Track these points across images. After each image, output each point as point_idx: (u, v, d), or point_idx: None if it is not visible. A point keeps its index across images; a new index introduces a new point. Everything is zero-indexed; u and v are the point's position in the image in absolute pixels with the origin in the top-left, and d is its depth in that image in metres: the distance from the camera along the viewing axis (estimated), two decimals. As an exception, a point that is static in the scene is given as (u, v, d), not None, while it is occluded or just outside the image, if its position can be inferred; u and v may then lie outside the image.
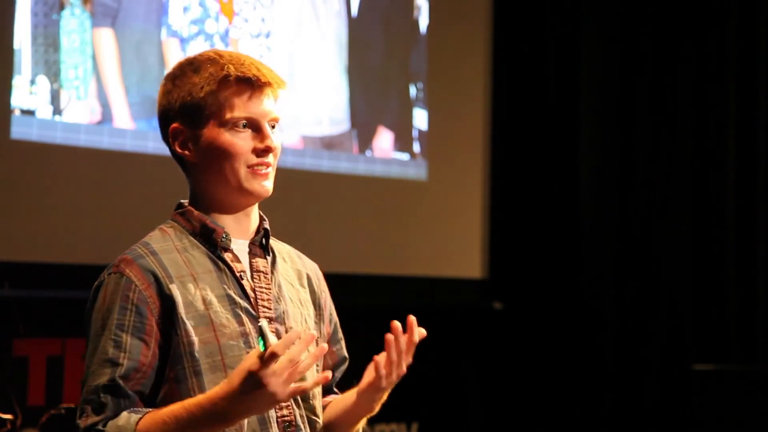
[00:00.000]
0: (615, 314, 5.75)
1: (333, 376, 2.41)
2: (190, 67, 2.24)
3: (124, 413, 2.10)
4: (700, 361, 5.45)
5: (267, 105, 2.24)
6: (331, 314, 2.42)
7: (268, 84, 2.23)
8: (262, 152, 2.21)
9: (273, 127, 2.25)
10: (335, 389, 2.44)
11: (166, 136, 2.26)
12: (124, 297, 2.14)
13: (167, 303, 2.15)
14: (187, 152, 2.23)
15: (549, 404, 5.71)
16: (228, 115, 2.20)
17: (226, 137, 2.20)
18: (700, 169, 5.78)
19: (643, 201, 5.77)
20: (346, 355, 2.45)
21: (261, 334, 2.03)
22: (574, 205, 5.74)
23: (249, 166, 2.21)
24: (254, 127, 2.22)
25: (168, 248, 2.21)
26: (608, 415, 5.68)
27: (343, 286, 5.06)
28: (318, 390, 2.30)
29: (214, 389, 2.07)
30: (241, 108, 2.21)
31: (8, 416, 3.79)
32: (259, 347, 2.02)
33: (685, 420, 5.47)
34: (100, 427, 2.10)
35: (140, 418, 2.09)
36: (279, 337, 2.17)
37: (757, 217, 5.70)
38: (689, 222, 5.76)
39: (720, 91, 5.77)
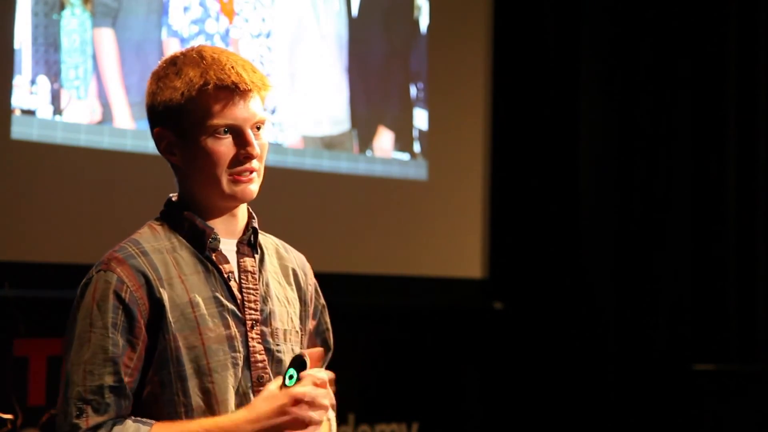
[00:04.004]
0: (615, 314, 5.75)
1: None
2: (173, 68, 2.20)
3: (130, 422, 2.10)
4: (700, 361, 5.45)
5: (250, 110, 2.18)
6: (316, 307, 2.40)
7: (248, 90, 2.18)
8: (244, 159, 2.18)
9: (259, 128, 2.21)
10: None
11: (153, 136, 2.24)
12: (116, 296, 2.12)
13: (156, 306, 2.14)
14: (171, 156, 2.22)
15: (549, 404, 5.71)
16: (209, 122, 2.16)
17: (207, 144, 2.17)
18: (700, 169, 5.78)
19: (643, 200, 5.77)
20: (331, 345, 2.44)
21: (298, 365, 2.14)
22: (574, 205, 5.74)
23: (231, 174, 2.18)
24: (236, 133, 2.18)
25: (158, 248, 2.19)
26: (608, 415, 5.68)
27: (343, 286, 5.09)
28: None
29: (238, 413, 2.13)
30: (221, 115, 2.16)
31: (9, 416, 3.79)
32: (286, 376, 2.14)
33: (685, 420, 5.47)
34: (107, 430, 2.08)
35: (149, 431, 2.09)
36: (263, 338, 2.22)
37: (758, 217, 5.70)
38: (689, 222, 5.76)
39: (720, 90, 5.77)
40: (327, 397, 2.17)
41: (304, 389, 2.13)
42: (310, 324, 2.38)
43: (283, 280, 2.32)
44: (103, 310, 2.12)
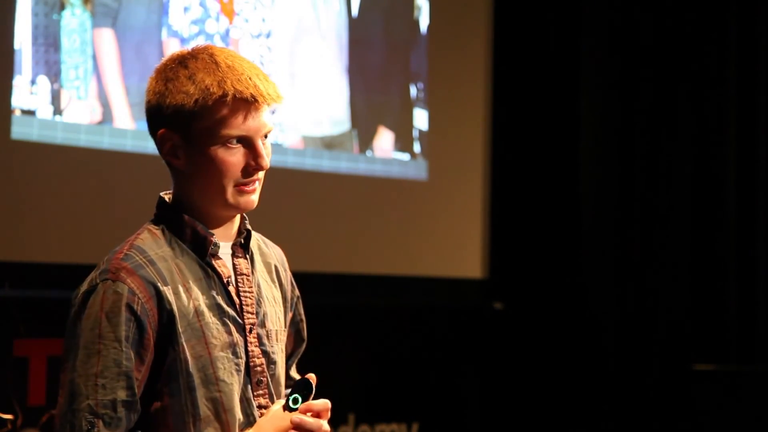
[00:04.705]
0: (615, 314, 5.75)
1: (289, 362, 2.43)
2: (184, 70, 2.16)
3: None
4: (700, 361, 5.45)
5: (261, 120, 2.17)
6: (292, 299, 2.39)
7: (265, 102, 2.16)
8: (254, 170, 2.17)
9: (266, 136, 2.20)
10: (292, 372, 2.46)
11: (154, 136, 2.20)
12: (129, 309, 2.09)
13: (166, 317, 2.12)
14: (174, 159, 2.18)
15: (549, 404, 5.71)
16: (222, 132, 2.14)
17: (218, 154, 2.14)
18: (700, 169, 5.78)
19: (643, 200, 5.77)
20: (305, 337, 2.44)
21: (302, 389, 2.17)
22: (574, 205, 5.74)
23: (237, 184, 2.16)
24: (247, 143, 2.16)
25: (162, 255, 2.17)
26: (608, 415, 5.68)
27: (343, 287, 5.09)
28: (281, 380, 2.31)
29: None
30: (235, 126, 2.14)
31: (9, 416, 3.79)
32: (290, 400, 2.16)
33: (685, 420, 5.47)
34: None
35: None
36: (260, 342, 2.22)
37: (757, 217, 5.70)
38: (689, 222, 5.76)
39: (721, 92, 5.77)
40: (326, 428, 2.19)
41: (309, 419, 2.15)
42: (289, 316, 2.37)
43: (268, 279, 2.32)
44: (114, 323, 2.09)
